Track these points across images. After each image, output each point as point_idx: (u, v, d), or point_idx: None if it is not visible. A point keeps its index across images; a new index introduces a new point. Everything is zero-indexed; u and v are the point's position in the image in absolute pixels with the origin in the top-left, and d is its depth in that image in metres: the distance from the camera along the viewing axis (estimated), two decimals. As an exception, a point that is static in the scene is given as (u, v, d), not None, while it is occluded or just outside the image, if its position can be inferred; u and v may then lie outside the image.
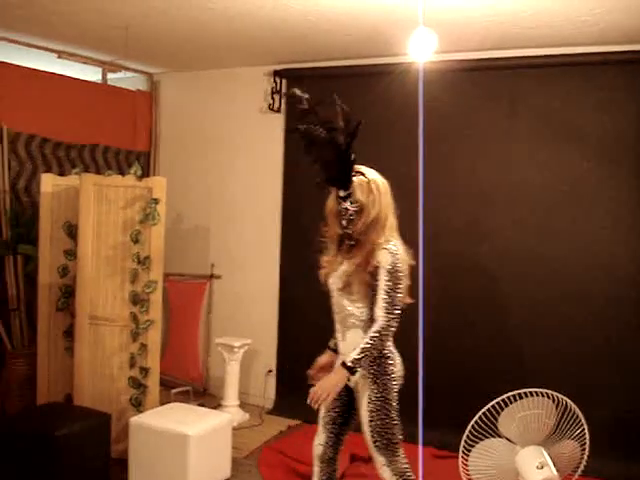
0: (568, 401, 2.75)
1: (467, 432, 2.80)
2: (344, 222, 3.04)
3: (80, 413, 4.29)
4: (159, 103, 6.61)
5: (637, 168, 4.73)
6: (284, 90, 5.88)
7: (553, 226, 4.94)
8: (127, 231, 4.55)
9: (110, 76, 6.36)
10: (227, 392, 5.62)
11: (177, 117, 6.54)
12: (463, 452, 2.84)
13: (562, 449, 2.81)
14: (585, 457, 2.81)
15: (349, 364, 2.93)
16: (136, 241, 4.52)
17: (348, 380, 3.07)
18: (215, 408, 5.58)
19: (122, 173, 5.11)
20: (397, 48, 4.87)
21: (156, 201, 4.52)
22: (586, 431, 2.78)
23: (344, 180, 3.03)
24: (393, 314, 2.93)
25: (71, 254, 4.80)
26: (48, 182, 4.89)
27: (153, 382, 4.58)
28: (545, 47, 4.87)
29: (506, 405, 2.71)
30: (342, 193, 3.04)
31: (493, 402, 2.73)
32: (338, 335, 3.20)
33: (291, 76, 5.87)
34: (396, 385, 3.06)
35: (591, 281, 4.83)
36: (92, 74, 6.27)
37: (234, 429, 5.34)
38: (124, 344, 4.57)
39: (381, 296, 2.94)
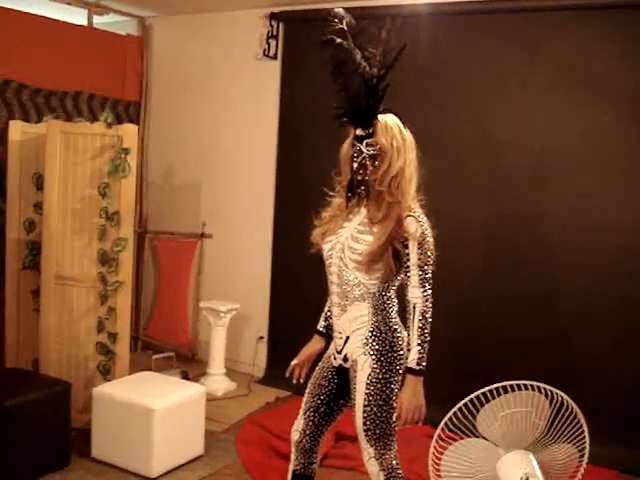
0: (564, 396, 2.29)
1: (436, 436, 2.36)
2: (354, 165, 2.60)
3: (37, 382, 3.94)
4: (151, 49, 6.16)
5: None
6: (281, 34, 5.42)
7: (568, 186, 4.45)
8: (95, 183, 4.15)
9: (98, 19, 5.91)
10: (212, 359, 5.26)
11: (169, 64, 6.08)
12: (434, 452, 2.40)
13: (555, 454, 2.34)
14: (584, 464, 2.34)
15: (417, 368, 2.52)
16: (104, 195, 4.11)
17: (344, 360, 2.72)
18: (200, 376, 5.26)
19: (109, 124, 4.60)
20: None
21: (126, 151, 4.09)
22: (586, 434, 2.31)
23: (367, 117, 2.60)
24: (430, 290, 2.55)
25: (40, 208, 4.43)
26: (17, 130, 4.51)
27: (122, 348, 4.21)
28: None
29: (487, 400, 2.26)
30: (360, 132, 2.60)
31: (467, 399, 2.28)
32: (335, 310, 2.74)
33: (289, 19, 5.39)
34: (401, 365, 2.62)
35: (610, 247, 4.34)
36: (78, 17, 5.83)
37: (218, 399, 5.03)
38: (92, 307, 4.20)
39: (415, 272, 2.54)
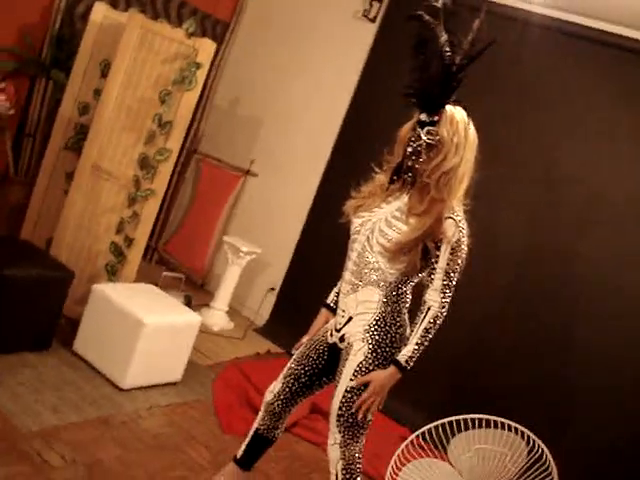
0: (546, 451, 2.18)
1: (403, 446, 2.27)
2: (408, 150, 2.47)
3: (44, 261, 3.91)
4: (255, -29, 6.03)
5: None
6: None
7: (615, 235, 4.28)
8: (158, 88, 4.08)
9: None
10: (219, 294, 5.21)
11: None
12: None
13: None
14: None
15: (404, 365, 2.44)
16: (163, 101, 4.03)
17: (340, 340, 2.64)
18: (202, 306, 5.22)
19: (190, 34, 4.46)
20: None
21: (198, 65, 4.00)
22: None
23: (435, 103, 2.47)
24: (449, 298, 2.45)
25: (99, 94, 4.37)
26: (99, 11, 4.44)
27: (135, 255, 4.16)
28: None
29: (467, 428, 2.15)
30: (424, 117, 2.46)
31: (448, 419, 2.18)
32: (345, 287, 2.63)
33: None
34: None
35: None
36: None
37: (212, 334, 4.99)
38: (118, 206, 4.16)
39: (439, 276, 2.44)
